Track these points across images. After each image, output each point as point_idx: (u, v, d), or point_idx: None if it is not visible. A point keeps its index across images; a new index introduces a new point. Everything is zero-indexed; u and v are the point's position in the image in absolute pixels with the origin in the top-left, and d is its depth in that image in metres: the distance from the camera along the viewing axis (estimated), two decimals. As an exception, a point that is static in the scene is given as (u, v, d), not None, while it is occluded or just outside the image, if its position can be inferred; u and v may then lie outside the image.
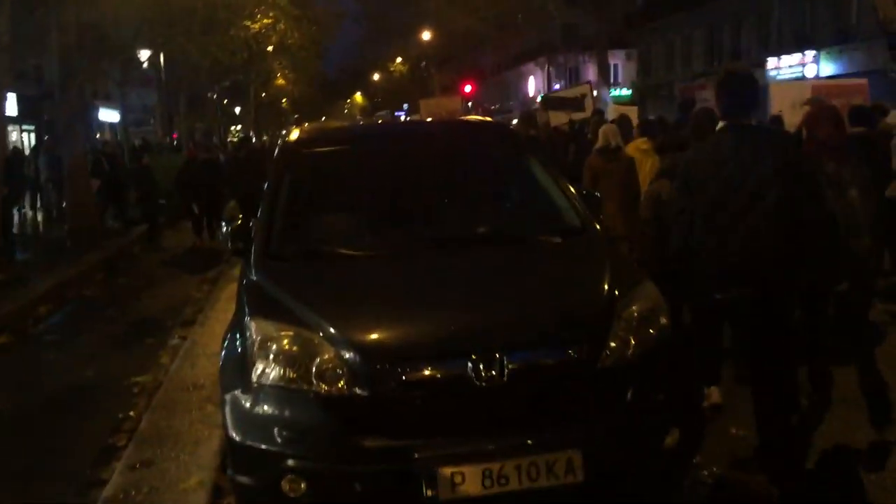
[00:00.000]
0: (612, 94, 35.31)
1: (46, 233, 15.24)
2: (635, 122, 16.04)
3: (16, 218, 15.56)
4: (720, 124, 3.68)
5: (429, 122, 5.59)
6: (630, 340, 3.06)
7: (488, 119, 6.51)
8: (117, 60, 21.69)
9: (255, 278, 3.50)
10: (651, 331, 3.16)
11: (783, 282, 3.40)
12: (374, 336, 3.01)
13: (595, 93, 23.60)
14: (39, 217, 18.19)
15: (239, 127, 64.69)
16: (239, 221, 3.93)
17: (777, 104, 12.10)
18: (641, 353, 3.07)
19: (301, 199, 4.07)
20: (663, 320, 3.23)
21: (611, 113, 17.83)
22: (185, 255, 12.68)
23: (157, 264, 11.86)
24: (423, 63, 64.66)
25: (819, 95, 9.16)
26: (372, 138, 4.70)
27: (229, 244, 3.87)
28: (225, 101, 42.32)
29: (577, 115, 18.54)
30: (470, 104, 38.85)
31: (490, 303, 3.16)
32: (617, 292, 3.22)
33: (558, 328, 3.06)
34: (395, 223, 3.92)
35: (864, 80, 13.64)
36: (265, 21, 28.85)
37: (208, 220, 13.49)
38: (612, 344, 3.04)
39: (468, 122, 5.95)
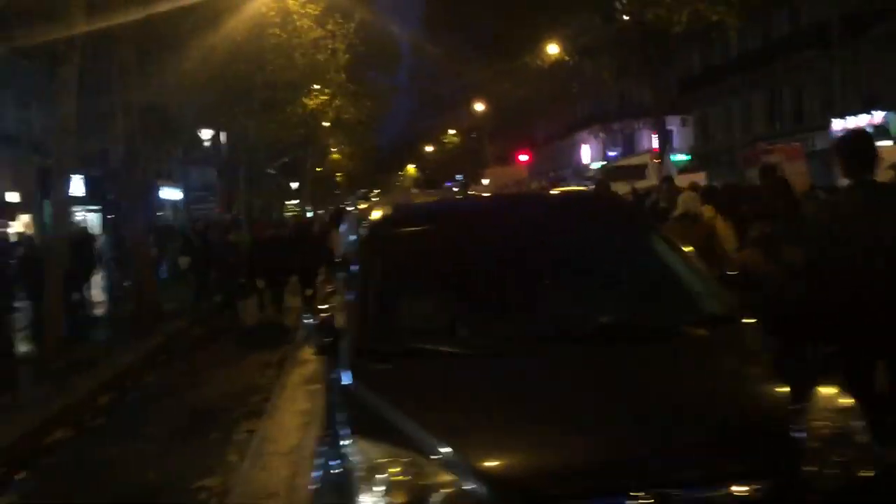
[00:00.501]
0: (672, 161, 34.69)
1: (110, 313, 14.97)
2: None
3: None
4: (845, 182, 3.91)
5: (529, 196, 5.00)
6: (826, 465, 2.41)
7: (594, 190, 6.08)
8: (179, 141, 21.91)
9: (349, 384, 2.96)
10: (851, 448, 2.50)
11: None
12: (507, 464, 2.44)
13: (656, 161, 23.12)
14: (103, 296, 18.10)
15: (295, 202, 65.65)
16: (322, 315, 3.41)
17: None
18: (842, 481, 2.41)
19: (395, 286, 3.55)
20: (862, 434, 2.56)
21: (681, 182, 17.31)
22: (247, 337, 12.30)
23: (219, 346, 11.45)
24: (474, 134, 65.11)
25: None
26: (469, 215, 4.14)
27: (313, 341, 3.33)
28: (281, 178, 42.84)
29: (641, 184, 18.11)
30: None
31: (651, 421, 2.54)
32: (796, 400, 2.60)
33: (736, 455, 2.42)
34: (509, 314, 3.34)
35: None
36: (322, 98, 29.21)
37: (275, 296, 13.42)
38: (808, 470, 2.40)
39: (574, 194, 5.44)
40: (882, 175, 7.47)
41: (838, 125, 30.22)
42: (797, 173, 15.80)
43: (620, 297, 3.50)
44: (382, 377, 2.94)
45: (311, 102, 29.09)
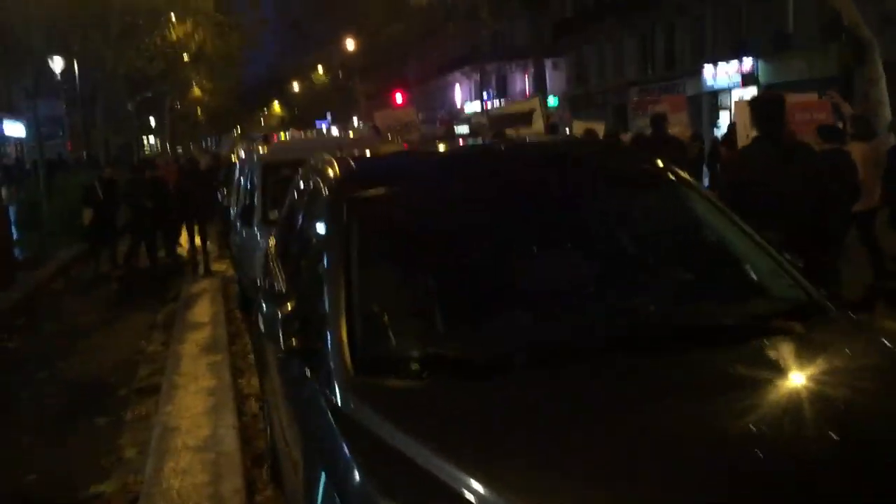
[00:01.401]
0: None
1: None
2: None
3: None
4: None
5: (525, 144, 4.11)
6: None
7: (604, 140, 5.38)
8: (28, 70, 19.66)
9: (351, 410, 2.14)
10: None
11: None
12: None
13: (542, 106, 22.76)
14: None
15: (152, 139, 61.96)
16: (290, 304, 2.56)
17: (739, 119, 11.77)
18: None
19: (390, 269, 2.72)
20: None
21: (576, 130, 16.93)
22: (122, 291, 11.03)
23: (90, 303, 10.14)
24: (340, 73, 63.24)
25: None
26: (461, 170, 3.21)
27: (281, 339, 2.48)
28: (140, 114, 39.94)
29: (526, 131, 17.58)
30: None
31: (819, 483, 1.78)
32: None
33: None
34: (547, 311, 2.52)
35: (826, 101, 13.59)
36: (183, 27, 27.36)
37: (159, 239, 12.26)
38: None
39: (573, 144, 4.72)
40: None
41: (709, 71, 30.99)
42: (680, 123, 15.95)
43: (679, 284, 2.74)
44: (401, 401, 2.15)
45: (173, 33, 27.18)
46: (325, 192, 3.07)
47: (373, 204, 2.85)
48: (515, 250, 2.77)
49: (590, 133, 14.36)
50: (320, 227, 2.94)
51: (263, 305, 2.66)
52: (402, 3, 37.70)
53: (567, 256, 2.77)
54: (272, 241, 4.69)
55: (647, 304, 2.53)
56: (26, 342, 8.15)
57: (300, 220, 3.60)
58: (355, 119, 62.35)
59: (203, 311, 8.42)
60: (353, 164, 3.34)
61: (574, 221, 2.98)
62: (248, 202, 7.24)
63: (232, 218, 8.69)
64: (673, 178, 3.02)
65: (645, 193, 3.05)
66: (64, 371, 6.94)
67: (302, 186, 3.93)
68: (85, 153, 26.25)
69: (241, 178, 8.35)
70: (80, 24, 19.92)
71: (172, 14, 24.91)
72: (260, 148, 8.69)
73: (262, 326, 2.69)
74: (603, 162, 3.27)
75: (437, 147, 4.53)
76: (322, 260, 2.65)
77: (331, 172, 3.20)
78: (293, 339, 2.45)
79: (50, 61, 21.05)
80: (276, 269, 3.87)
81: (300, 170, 4.30)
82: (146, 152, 47.84)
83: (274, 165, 7.05)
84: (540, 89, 33.11)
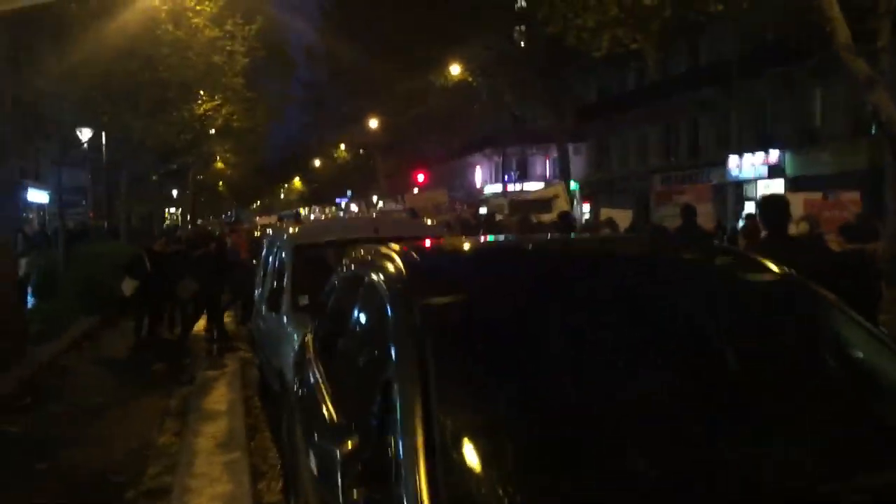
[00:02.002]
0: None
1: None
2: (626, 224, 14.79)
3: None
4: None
5: (617, 243, 3.54)
6: None
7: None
8: (54, 138, 19.67)
9: None
10: None
11: None
12: None
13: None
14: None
15: (173, 210, 62.47)
16: (350, 441, 2.05)
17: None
18: None
19: (471, 399, 2.17)
20: None
21: (603, 218, 16.72)
22: (136, 370, 10.54)
23: (102, 382, 9.65)
24: (361, 150, 63.83)
25: (810, 213, 9.23)
26: (552, 272, 2.71)
27: (340, 491, 1.95)
28: (164, 184, 40.18)
29: (545, 217, 17.35)
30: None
31: None
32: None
33: None
34: (656, 457, 2.00)
35: (856, 193, 13.43)
36: (213, 103, 27.67)
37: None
38: None
39: (684, 246, 4.15)
40: (794, 228, 7.41)
41: (734, 161, 30.85)
42: (704, 213, 15.71)
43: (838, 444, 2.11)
44: None
45: (201, 108, 27.46)
46: (389, 294, 2.58)
47: (452, 313, 2.35)
48: (625, 377, 2.26)
49: (610, 223, 14.10)
50: (386, 339, 2.42)
51: (316, 440, 2.15)
52: (426, 85, 38.09)
53: (685, 391, 2.25)
54: (308, 337, 4.21)
55: (807, 460, 1.99)
56: (30, 426, 7.62)
57: (352, 321, 3.13)
58: (375, 197, 62.74)
59: (219, 397, 7.92)
60: (418, 259, 2.87)
61: (687, 344, 2.47)
62: (275, 285, 6.82)
63: (255, 298, 8.26)
64: (817, 297, 2.50)
65: (779, 313, 2.54)
66: (66, 463, 6.39)
67: (349, 278, 3.47)
68: (106, 223, 26.15)
69: (269, 258, 7.96)
70: (111, 98, 19.99)
71: (201, 90, 25.10)
72: (290, 227, 8.31)
73: (312, 467, 2.17)
74: (725, 271, 2.76)
75: (504, 237, 4.08)
76: (392, 388, 2.14)
77: (392, 268, 2.73)
78: (355, 491, 1.94)
79: (78, 133, 21.11)
80: (318, 375, 3.38)
81: (345, 259, 3.85)
82: (166, 223, 48.08)
83: (307, 247, 6.67)
84: (563, 174, 33.09)
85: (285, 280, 6.55)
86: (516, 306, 2.43)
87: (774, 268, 2.69)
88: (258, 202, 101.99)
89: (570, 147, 45.07)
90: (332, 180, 76.10)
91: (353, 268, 3.56)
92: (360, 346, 2.85)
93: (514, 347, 2.33)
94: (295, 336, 5.73)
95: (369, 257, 3.20)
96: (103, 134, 23.40)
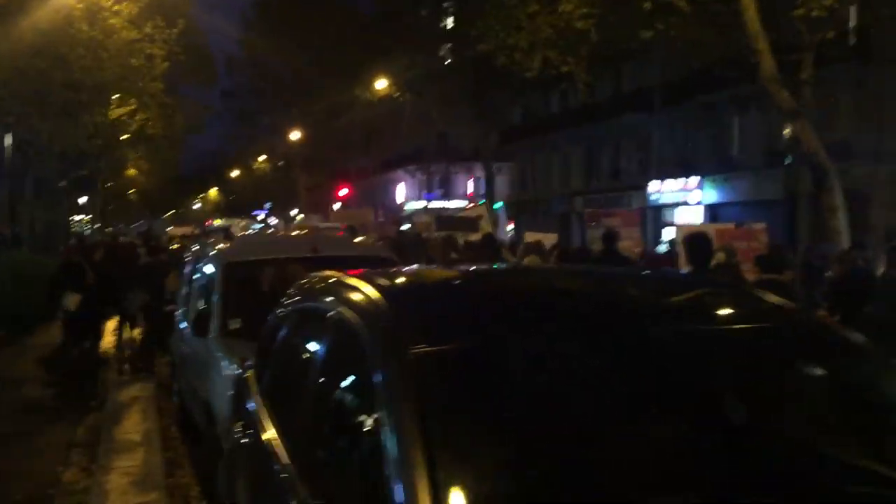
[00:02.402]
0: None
1: None
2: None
3: None
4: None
5: (610, 276, 3.10)
6: None
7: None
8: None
9: None
10: None
11: None
12: None
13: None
14: None
15: (80, 218, 59.91)
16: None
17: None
18: None
19: (477, 466, 1.79)
20: None
21: (527, 241, 16.68)
22: (38, 394, 9.68)
23: (6, 408, 8.79)
24: (281, 163, 62.74)
25: (727, 244, 9.81)
26: (569, 314, 2.34)
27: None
28: (71, 191, 38.34)
29: (471, 237, 17.18)
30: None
31: None
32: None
33: None
34: None
35: (762, 225, 13.82)
36: (126, 109, 26.60)
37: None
38: None
39: (697, 286, 3.68)
40: (715, 258, 7.63)
41: (654, 186, 31.43)
42: (631, 237, 15.85)
43: None
44: None
45: (114, 112, 26.34)
46: (370, 337, 2.13)
47: (457, 364, 1.94)
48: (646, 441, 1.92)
49: (537, 245, 14.04)
50: (371, 400, 1.96)
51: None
52: (350, 98, 37.64)
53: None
54: (249, 373, 3.74)
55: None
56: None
57: (313, 367, 2.67)
58: (295, 210, 61.62)
59: (133, 426, 7.27)
60: (399, 291, 2.44)
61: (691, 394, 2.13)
62: (202, 306, 6.25)
63: (178, 322, 7.65)
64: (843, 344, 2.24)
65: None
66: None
67: (304, 312, 3.03)
68: (9, 230, 24.59)
69: (193, 275, 7.37)
70: (18, 98, 18.80)
71: (117, 94, 24.03)
72: (220, 244, 7.68)
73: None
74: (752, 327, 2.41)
75: (499, 266, 3.70)
76: (386, 465, 1.71)
77: (367, 303, 2.29)
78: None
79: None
80: (268, 428, 2.91)
81: (294, 287, 3.41)
82: (73, 230, 45.97)
83: (239, 265, 6.15)
84: (487, 194, 33.07)
85: (214, 301, 5.99)
86: (532, 352, 2.04)
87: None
88: (173, 211, 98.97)
89: (494, 167, 45.32)
90: (250, 192, 74.56)
91: (308, 299, 3.11)
92: (329, 404, 2.38)
93: (534, 405, 1.96)
94: (225, 364, 5.23)
95: (331, 287, 2.77)
96: (7, 136, 22.04)
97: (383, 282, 2.51)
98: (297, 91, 46.52)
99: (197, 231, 33.75)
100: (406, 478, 1.65)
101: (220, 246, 7.34)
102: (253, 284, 5.83)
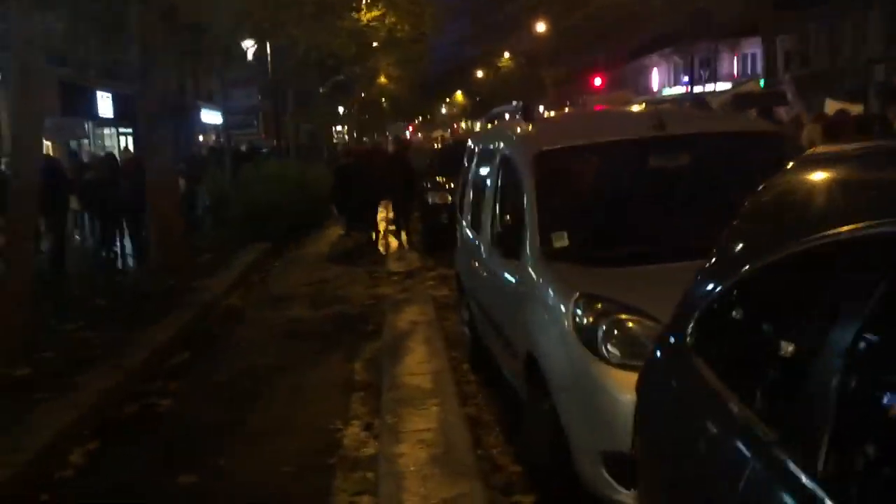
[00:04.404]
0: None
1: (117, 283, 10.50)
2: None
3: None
4: None
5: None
6: None
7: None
8: (215, 50, 18.29)
9: None
10: None
11: None
12: None
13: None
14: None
15: (340, 128, 62.10)
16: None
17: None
18: None
19: None
20: None
21: (829, 109, 13.94)
22: (310, 309, 8.77)
23: (269, 331, 7.90)
24: (524, 59, 60.56)
25: None
26: None
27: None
28: (331, 101, 39.08)
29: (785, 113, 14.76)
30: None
31: None
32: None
33: None
34: None
35: None
36: (375, 13, 25.88)
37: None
38: None
39: None
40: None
41: None
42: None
43: None
44: None
45: (365, 17, 25.72)
46: None
47: None
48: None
49: (842, 113, 11.62)
50: None
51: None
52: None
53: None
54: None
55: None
56: (179, 403, 5.87)
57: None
58: (541, 107, 59.53)
59: (419, 366, 5.83)
60: None
61: None
62: (507, 218, 4.46)
63: (464, 232, 6.02)
64: None
65: None
66: (211, 479, 4.50)
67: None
68: (275, 142, 24.99)
69: (481, 174, 5.62)
70: (269, 5, 18.29)
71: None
72: (519, 128, 5.47)
73: None
74: None
75: None
76: None
77: None
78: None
79: (242, 44, 19.69)
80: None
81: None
82: (334, 141, 47.42)
83: (557, 155, 4.29)
84: (768, 70, 28.90)
85: (526, 209, 4.10)
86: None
87: None
88: (419, 118, 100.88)
89: (758, 41, 39.82)
90: (495, 92, 73.31)
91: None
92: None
93: None
94: (555, 304, 3.51)
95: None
96: (267, 46, 21.97)
97: None
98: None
99: (447, 134, 33.05)
100: None
101: (523, 129, 5.25)
102: (582, 180, 4.01)
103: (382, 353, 6.41)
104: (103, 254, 12.75)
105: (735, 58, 47.28)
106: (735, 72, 47.02)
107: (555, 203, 4.03)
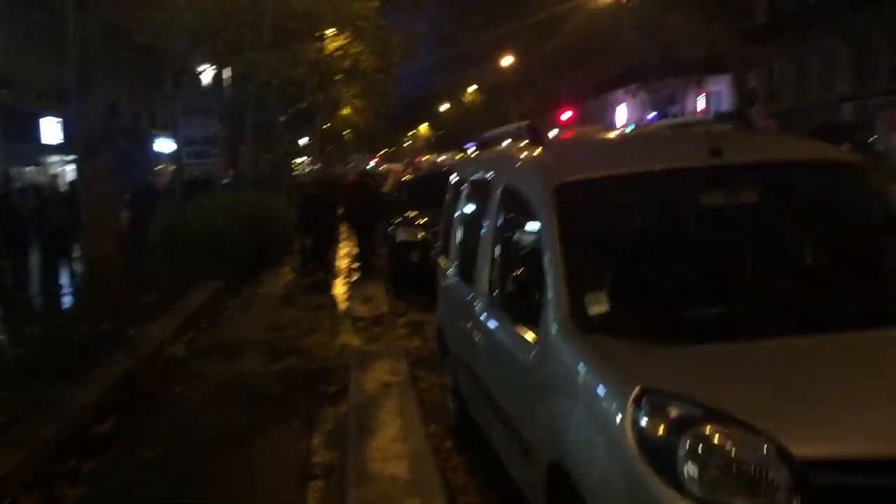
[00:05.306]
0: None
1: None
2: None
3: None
4: None
5: None
6: None
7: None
8: (169, 72, 17.21)
9: None
10: None
11: None
12: None
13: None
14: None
15: (302, 160, 60.90)
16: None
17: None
18: None
19: None
20: None
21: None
22: (263, 365, 7.64)
23: (215, 391, 6.76)
24: (490, 94, 60.42)
25: None
26: None
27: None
28: (291, 130, 37.98)
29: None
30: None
31: None
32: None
33: None
34: None
35: None
36: (340, 41, 25.12)
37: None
38: None
39: None
40: None
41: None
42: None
43: None
44: None
45: (330, 46, 24.96)
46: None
47: None
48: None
49: None
50: None
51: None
52: (564, 12, 34.20)
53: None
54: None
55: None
56: (91, 495, 4.70)
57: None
58: (506, 141, 59.01)
59: (391, 441, 4.74)
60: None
61: None
62: (519, 271, 3.29)
63: (450, 282, 4.96)
64: None
65: None
66: None
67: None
68: (231, 171, 23.78)
69: (474, 214, 4.49)
70: (230, 25, 17.30)
71: (331, 27, 22.62)
72: (525, 153, 4.07)
73: None
74: None
75: None
76: None
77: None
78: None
79: (196, 69, 18.61)
80: None
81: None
82: (295, 173, 46.23)
83: (585, 189, 3.20)
84: (741, 105, 28.52)
85: (547, 260, 3.03)
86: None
87: None
88: (385, 150, 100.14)
89: (723, 78, 39.69)
90: (459, 124, 72.89)
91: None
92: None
93: None
94: (603, 401, 2.46)
95: None
96: (224, 72, 20.93)
97: None
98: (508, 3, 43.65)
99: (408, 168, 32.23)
100: None
101: (532, 155, 3.94)
102: (618, 221, 3.00)
103: (348, 424, 5.30)
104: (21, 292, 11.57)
105: (701, 95, 47.39)
106: (699, 108, 47.10)
107: (586, 252, 3.00)
